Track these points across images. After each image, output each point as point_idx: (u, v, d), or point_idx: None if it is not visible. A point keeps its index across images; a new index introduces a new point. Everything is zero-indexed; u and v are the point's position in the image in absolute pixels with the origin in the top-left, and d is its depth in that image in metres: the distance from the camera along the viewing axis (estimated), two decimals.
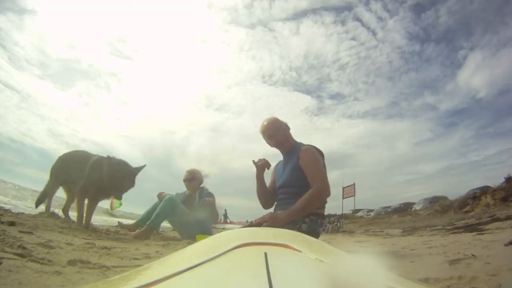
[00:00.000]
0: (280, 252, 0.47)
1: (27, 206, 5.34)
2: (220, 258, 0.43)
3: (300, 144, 1.87)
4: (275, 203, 1.87)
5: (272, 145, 1.92)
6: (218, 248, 0.46)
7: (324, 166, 1.76)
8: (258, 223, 1.52)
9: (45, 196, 3.06)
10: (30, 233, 1.64)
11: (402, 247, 2.49)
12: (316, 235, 1.69)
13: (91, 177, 2.60)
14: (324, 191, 1.61)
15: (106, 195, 2.72)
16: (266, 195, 1.97)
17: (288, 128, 1.94)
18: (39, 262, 1.01)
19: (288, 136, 1.91)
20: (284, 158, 1.95)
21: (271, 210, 1.95)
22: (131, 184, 2.64)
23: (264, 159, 1.91)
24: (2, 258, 0.94)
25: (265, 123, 1.92)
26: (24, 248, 1.15)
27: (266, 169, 1.93)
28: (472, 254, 1.60)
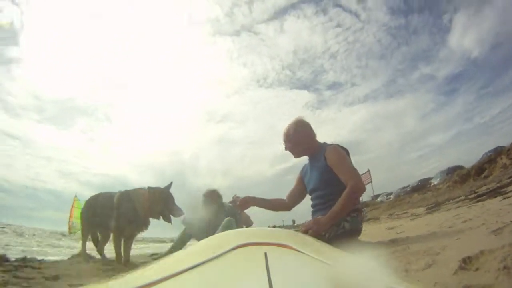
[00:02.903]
0: (280, 252, 0.48)
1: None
2: (220, 258, 0.43)
3: (325, 145, 1.84)
4: (311, 209, 1.87)
5: (286, 149, 1.90)
6: (218, 248, 0.47)
7: (351, 163, 1.77)
8: (304, 232, 1.52)
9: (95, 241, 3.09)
10: (80, 285, 1.63)
11: (438, 226, 2.48)
12: (358, 232, 1.72)
13: (122, 213, 2.62)
14: (360, 187, 1.62)
15: (142, 227, 2.74)
16: (279, 206, 2.00)
17: (311, 133, 1.87)
18: None
19: (310, 142, 1.86)
20: (309, 161, 1.92)
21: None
22: (172, 204, 2.59)
23: (237, 198, 1.89)
24: None
25: (286, 126, 1.92)
26: None
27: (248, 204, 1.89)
28: (511, 221, 1.62)
